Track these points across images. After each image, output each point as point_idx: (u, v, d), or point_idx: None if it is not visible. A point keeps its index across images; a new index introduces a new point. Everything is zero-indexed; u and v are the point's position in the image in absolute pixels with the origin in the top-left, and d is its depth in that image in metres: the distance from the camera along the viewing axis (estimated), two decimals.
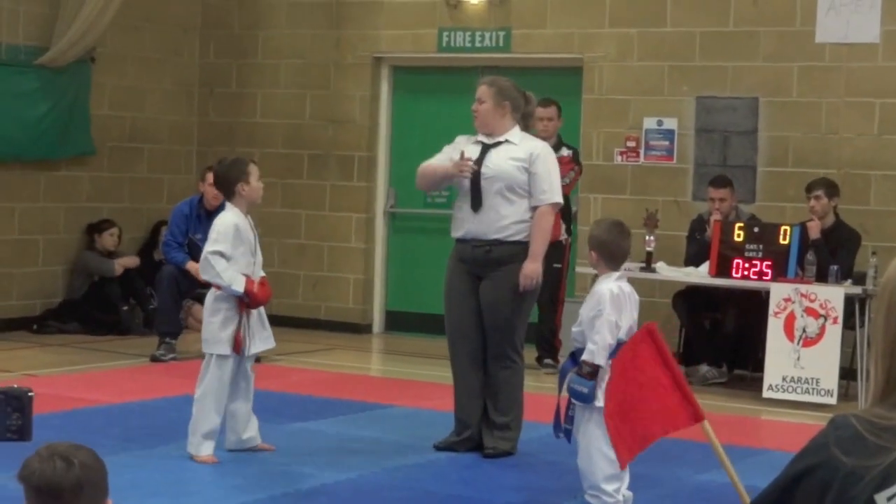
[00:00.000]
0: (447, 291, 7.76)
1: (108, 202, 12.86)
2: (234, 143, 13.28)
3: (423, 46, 12.75)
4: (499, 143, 7.63)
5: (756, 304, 10.22)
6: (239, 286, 7.16)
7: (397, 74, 13.18)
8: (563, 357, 9.61)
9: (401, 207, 13.18)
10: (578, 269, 11.09)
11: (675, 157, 11.73)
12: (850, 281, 9.92)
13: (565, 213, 10.69)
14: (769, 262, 9.99)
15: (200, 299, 9.32)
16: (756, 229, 10.16)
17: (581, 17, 12.02)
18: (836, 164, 11.06)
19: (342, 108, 13.08)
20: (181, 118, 13.63)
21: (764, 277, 10.00)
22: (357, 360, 11.67)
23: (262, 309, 7.43)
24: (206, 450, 7.16)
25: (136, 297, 12.42)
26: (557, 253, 10.52)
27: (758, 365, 10.27)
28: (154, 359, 10.68)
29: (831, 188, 10.39)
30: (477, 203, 7.55)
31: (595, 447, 6.31)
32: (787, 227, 10.06)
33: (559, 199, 7.68)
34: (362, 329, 13.07)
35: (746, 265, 10.06)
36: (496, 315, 7.57)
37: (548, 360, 10.89)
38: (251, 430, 7.44)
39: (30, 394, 7.24)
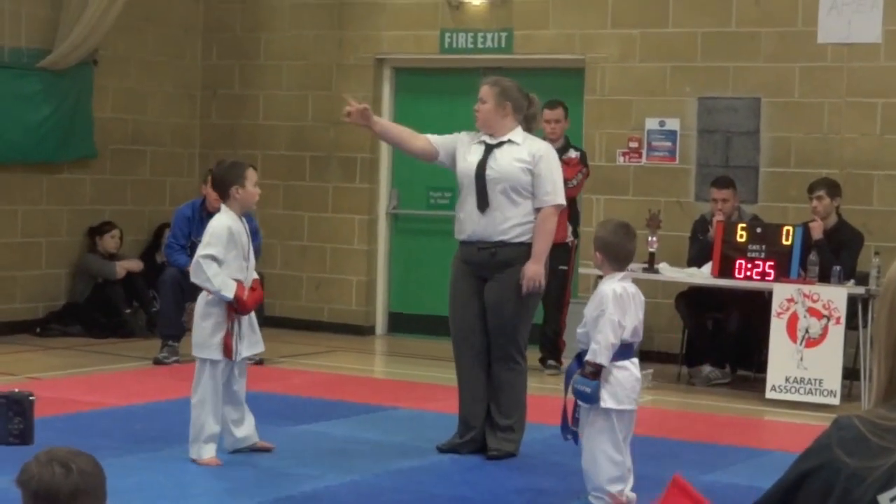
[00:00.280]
0: (452, 293, 7.75)
1: (110, 205, 12.85)
2: (237, 146, 13.28)
3: (425, 48, 12.75)
4: (501, 144, 7.63)
5: (759, 304, 10.21)
6: (229, 292, 7.13)
7: (399, 76, 13.17)
8: (566, 359, 9.63)
9: (403, 209, 13.17)
10: (582, 271, 11.08)
11: (677, 158, 11.73)
12: (852, 281, 9.91)
13: (572, 214, 10.69)
14: (772, 263, 9.98)
15: None
16: (758, 230, 10.15)
17: (583, 18, 12.02)
18: (838, 165, 11.06)
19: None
20: (183, 120, 13.63)
21: (767, 278, 9.99)
22: (360, 361, 11.66)
23: (252, 313, 7.41)
24: (208, 453, 7.16)
25: (139, 299, 12.42)
26: (564, 255, 10.52)
27: (761, 365, 10.27)
28: (157, 361, 10.68)
29: (833, 188, 10.39)
30: (483, 204, 7.54)
31: (599, 449, 6.31)
32: (790, 228, 10.05)
33: (562, 200, 7.67)
34: (365, 331, 13.06)
35: (749, 266, 10.05)
36: (500, 317, 7.55)
37: (551, 362, 10.88)
38: (247, 429, 7.44)
39: (31, 398, 7.22)
